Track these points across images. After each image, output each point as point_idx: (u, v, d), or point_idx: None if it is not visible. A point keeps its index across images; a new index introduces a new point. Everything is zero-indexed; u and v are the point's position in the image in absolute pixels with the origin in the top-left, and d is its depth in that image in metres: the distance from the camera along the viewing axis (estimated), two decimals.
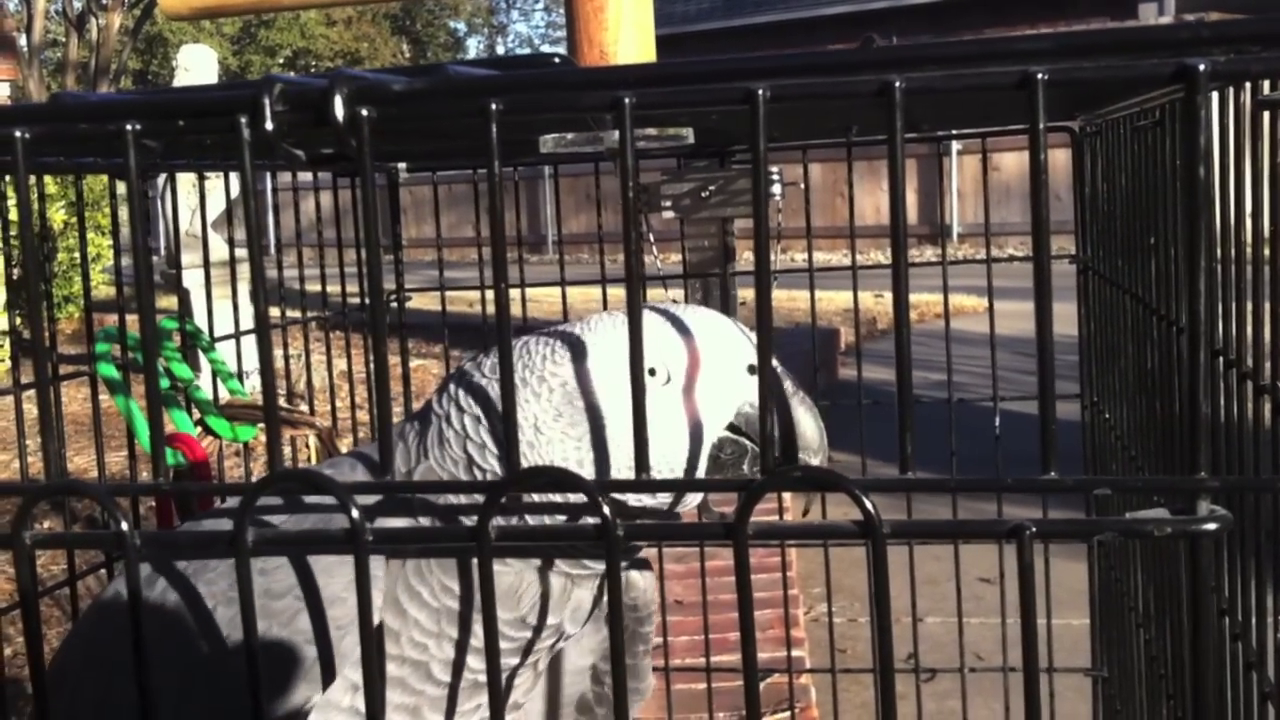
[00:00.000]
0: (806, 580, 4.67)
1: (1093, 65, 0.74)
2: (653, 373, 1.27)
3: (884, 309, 10.89)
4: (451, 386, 1.34)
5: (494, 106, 0.77)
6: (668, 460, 1.28)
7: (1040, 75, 0.73)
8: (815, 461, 1.26)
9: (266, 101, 0.80)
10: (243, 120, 0.80)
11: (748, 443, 1.29)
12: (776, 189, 2.26)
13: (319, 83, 0.81)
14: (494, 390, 1.29)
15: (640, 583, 1.55)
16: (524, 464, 1.23)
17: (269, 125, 0.80)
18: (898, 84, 0.74)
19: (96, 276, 9.87)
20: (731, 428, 1.31)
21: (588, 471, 1.25)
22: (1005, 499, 2.53)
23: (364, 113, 0.79)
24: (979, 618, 3.95)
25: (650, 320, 1.29)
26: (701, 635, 2.80)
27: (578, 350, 1.30)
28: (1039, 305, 0.70)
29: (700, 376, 1.29)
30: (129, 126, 0.81)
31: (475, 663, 1.34)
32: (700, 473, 1.29)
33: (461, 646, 1.33)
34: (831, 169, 17.03)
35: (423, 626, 1.32)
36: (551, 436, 1.27)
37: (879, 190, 19.33)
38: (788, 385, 1.28)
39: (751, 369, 1.29)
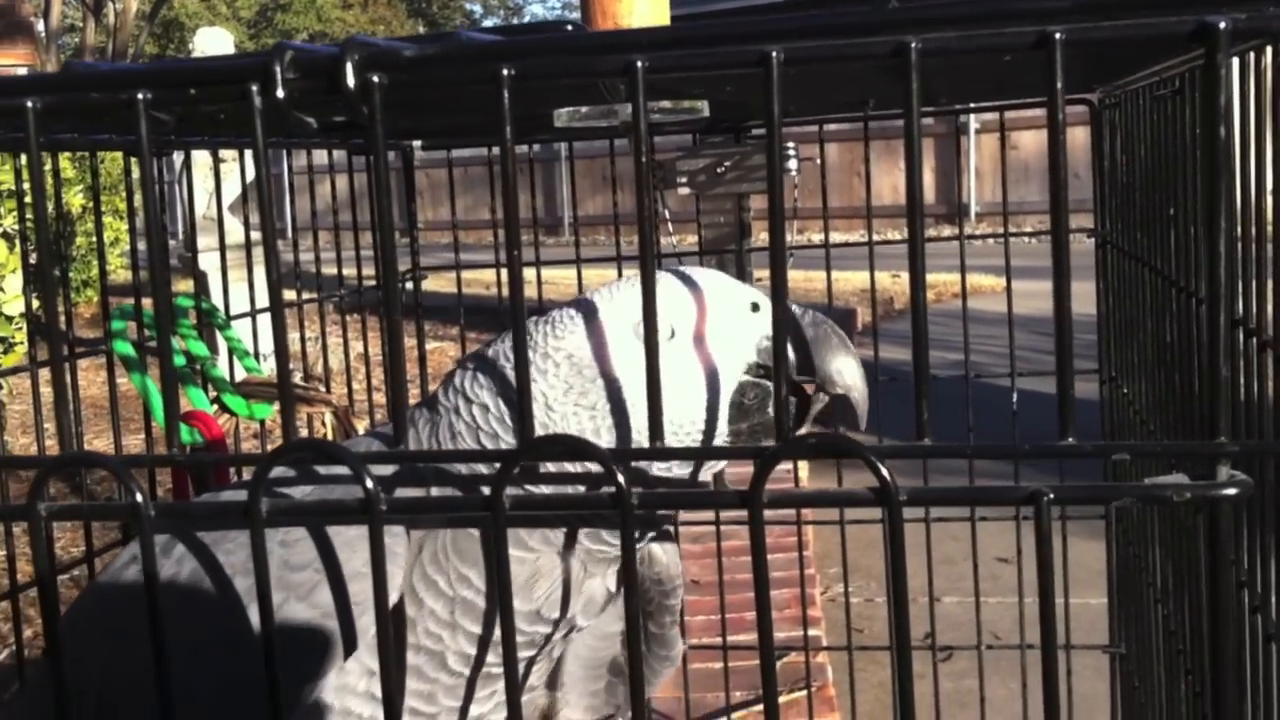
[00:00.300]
0: (823, 560, 4.67)
1: (1111, 25, 0.73)
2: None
3: (901, 288, 10.85)
4: (457, 378, 1.33)
5: (506, 72, 0.77)
6: (689, 415, 1.26)
7: (1058, 35, 0.72)
8: (844, 385, 1.25)
9: (278, 69, 0.79)
10: (254, 88, 0.79)
11: (769, 383, 1.27)
12: (792, 164, 2.25)
13: (330, 50, 0.81)
14: (499, 375, 1.28)
15: (663, 557, 1.55)
16: None
17: (280, 93, 0.80)
18: (914, 45, 0.73)
19: (114, 260, 9.91)
20: (750, 369, 1.29)
21: (606, 441, 1.24)
22: (1023, 475, 2.52)
23: (375, 79, 0.79)
24: (997, 597, 3.94)
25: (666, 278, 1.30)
26: (718, 614, 2.80)
27: (579, 322, 1.29)
28: (1056, 266, 0.70)
29: (707, 323, 1.27)
30: (140, 95, 0.80)
31: (490, 656, 1.33)
32: (724, 422, 1.27)
33: (475, 639, 1.33)
34: (849, 148, 16.94)
35: (438, 617, 1.32)
36: (564, 411, 1.26)
37: (896, 170, 19.23)
38: (797, 311, 1.27)
39: (755, 306, 1.28)
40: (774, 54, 0.73)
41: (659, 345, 1.25)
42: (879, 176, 16.14)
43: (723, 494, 0.77)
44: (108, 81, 0.82)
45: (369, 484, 0.76)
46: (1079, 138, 2.33)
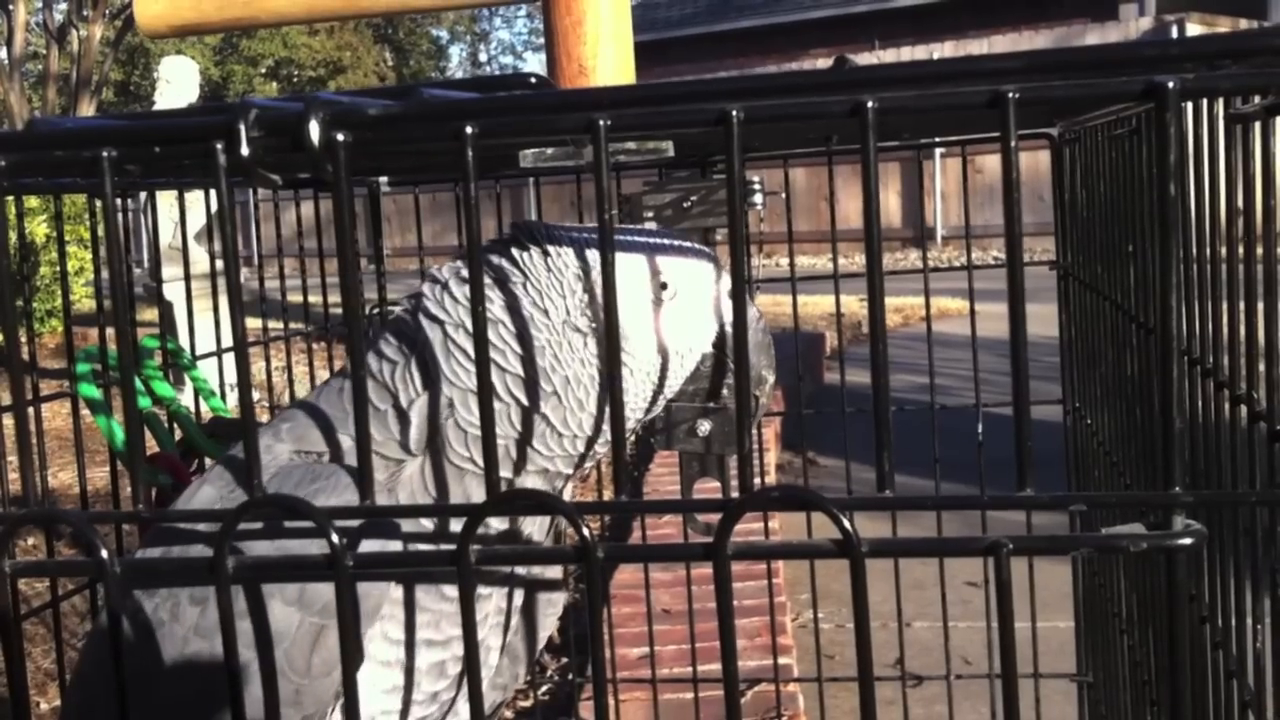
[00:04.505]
0: (794, 587, 4.67)
1: (1063, 84, 0.75)
2: (664, 286, 1.34)
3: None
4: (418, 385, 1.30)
5: (469, 130, 0.78)
6: (655, 372, 1.34)
7: (1011, 94, 0.73)
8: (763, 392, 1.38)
9: (242, 127, 0.80)
10: (218, 146, 0.80)
11: (714, 351, 1.38)
12: (758, 199, 2.26)
13: (294, 107, 0.81)
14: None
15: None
16: (556, 401, 1.27)
17: (244, 151, 0.80)
18: (870, 104, 0.74)
19: (78, 290, 9.85)
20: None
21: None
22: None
23: (339, 137, 0.79)
24: (966, 621, 3.95)
25: (654, 238, 1.37)
26: (688, 644, 2.80)
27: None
28: (1013, 327, 0.71)
29: (698, 295, 1.36)
30: (105, 153, 0.81)
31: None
32: (681, 380, 1.36)
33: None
34: (815, 172, 17.01)
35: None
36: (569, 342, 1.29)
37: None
38: (753, 313, 1.35)
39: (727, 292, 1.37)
40: (734, 113, 0.74)
41: (666, 301, 1.33)
42: (846, 200, 16.21)
43: (688, 546, 0.78)
44: (72, 139, 0.82)
45: (335, 541, 0.77)
46: (1044, 162, 2.36)
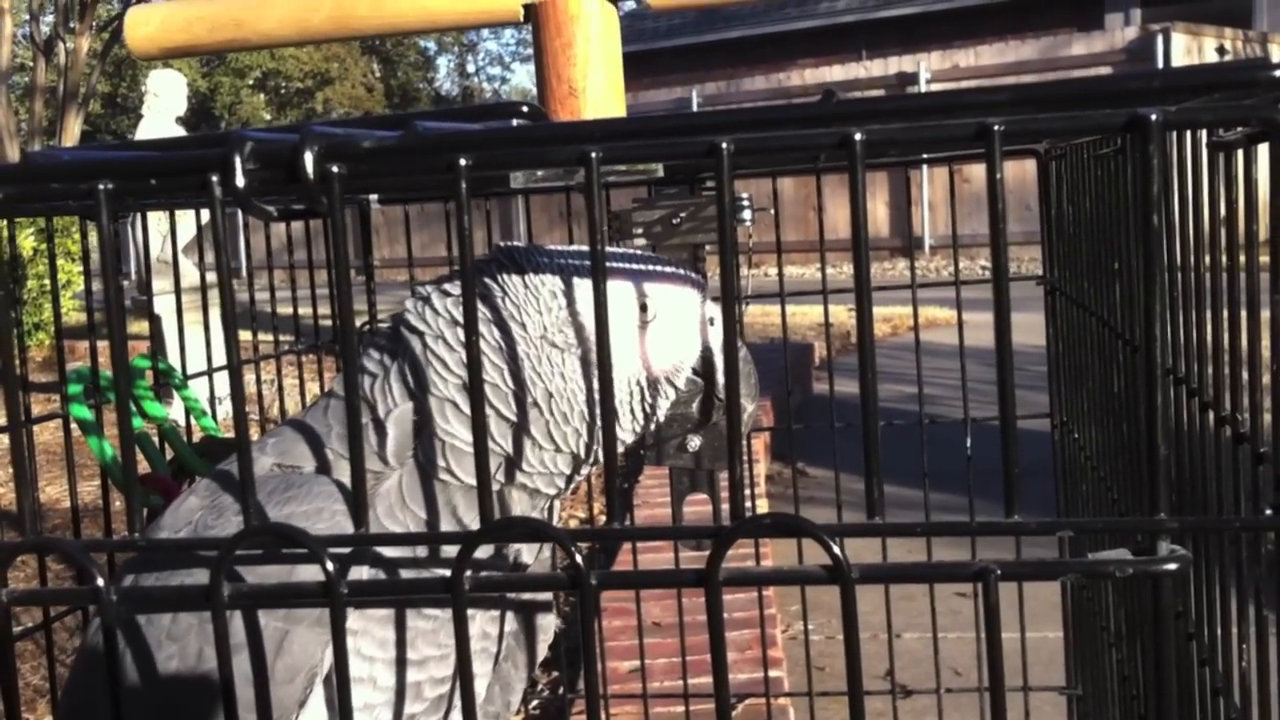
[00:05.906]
0: (784, 598, 4.68)
1: (1048, 116, 0.76)
2: (644, 308, 1.34)
3: None
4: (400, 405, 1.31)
5: (463, 163, 0.78)
6: (637, 395, 1.34)
7: (997, 127, 0.74)
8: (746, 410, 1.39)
9: (237, 160, 0.81)
10: (214, 179, 0.81)
11: (700, 381, 1.38)
12: (746, 215, 2.27)
13: (289, 139, 0.82)
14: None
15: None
16: (543, 414, 1.27)
17: (240, 183, 0.81)
18: (858, 136, 0.75)
19: (66, 303, 9.83)
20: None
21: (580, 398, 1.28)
22: (978, 514, 2.54)
23: (334, 170, 0.80)
24: (956, 632, 3.96)
25: (636, 262, 1.37)
26: (679, 658, 2.80)
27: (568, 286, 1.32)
28: (1000, 358, 0.72)
29: (680, 317, 1.36)
30: (102, 186, 0.82)
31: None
32: (663, 409, 1.36)
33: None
34: (804, 182, 16.98)
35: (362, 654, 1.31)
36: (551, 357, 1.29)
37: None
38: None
39: (711, 320, 1.38)
40: (724, 145, 0.75)
41: (644, 322, 1.33)
42: (835, 209, 16.22)
43: (681, 573, 0.79)
44: (69, 173, 0.83)
45: (330, 568, 0.77)
46: (1031, 171, 2.37)
